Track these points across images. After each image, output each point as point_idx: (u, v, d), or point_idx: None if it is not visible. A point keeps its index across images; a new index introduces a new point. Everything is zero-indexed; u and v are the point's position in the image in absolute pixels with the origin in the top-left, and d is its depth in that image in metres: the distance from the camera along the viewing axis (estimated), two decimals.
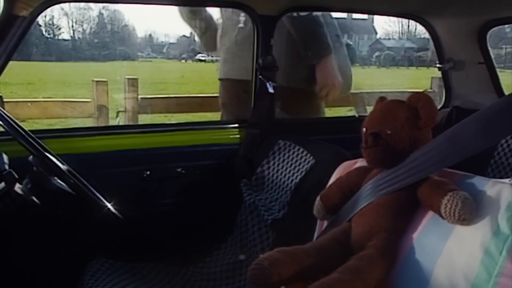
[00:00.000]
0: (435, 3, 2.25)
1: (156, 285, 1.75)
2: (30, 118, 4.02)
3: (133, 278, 1.73)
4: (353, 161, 1.39)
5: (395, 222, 1.12)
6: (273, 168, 2.01)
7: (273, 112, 2.23)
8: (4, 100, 3.42)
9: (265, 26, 2.15)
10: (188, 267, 1.88)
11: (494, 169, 2.02)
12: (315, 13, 2.36)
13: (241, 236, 1.95)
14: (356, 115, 3.16)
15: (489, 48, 2.41)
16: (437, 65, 2.61)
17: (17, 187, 1.49)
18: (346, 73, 2.50)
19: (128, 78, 4.17)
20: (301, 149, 1.92)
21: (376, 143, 1.17)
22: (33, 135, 1.59)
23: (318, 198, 1.33)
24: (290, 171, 1.92)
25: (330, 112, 2.99)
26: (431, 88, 4.57)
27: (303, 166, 1.86)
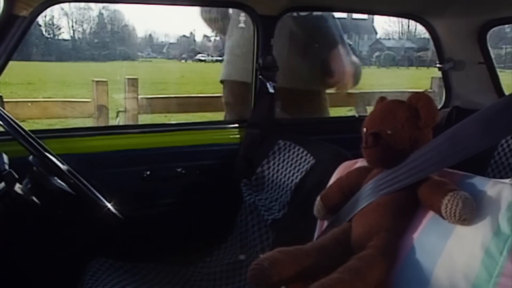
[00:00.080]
0: (435, 3, 2.25)
1: (156, 285, 1.75)
2: (30, 118, 4.02)
3: (133, 278, 1.73)
4: (353, 161, 1.39)
5: (395, 222, 1.12)
6: (273, 168, 2.01)
7: (273, 112, 2.23)
8: (4, 100, 3.41)
9: (265, 26, 2.15)
10: (188, 267, 1.88)
11: (494, 169, 2.03)
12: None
13: (241, 236, 1.95)
14: (356, 115, 3.17)
15: (489, 48, 2.42)
16: (437, 65, 2.61)
17: (17, 187, 1.49)
18: (355, 63, 2.56)
19: (128, 78, 4.18)
20: (301, 149, 1.92)
21: (376, 143, 1.17)
22: (33, 135, 1.59)
23: (318, 198, 1.33)
24: (290, 171, 1.92)
25: (330, 112, 2.99)
26: (431, 88, 4.57)
27: (303, 166, 1.86)
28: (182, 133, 2.16)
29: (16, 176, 1.49)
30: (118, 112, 4.02)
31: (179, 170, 2.08)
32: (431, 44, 2.63)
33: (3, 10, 1.64)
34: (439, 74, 2.69)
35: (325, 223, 1.34)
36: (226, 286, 1.81)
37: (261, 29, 2.15)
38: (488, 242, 0.97)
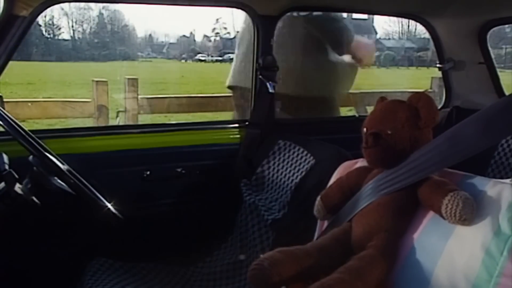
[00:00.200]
0: (435, 3, 2.25)
1: (156, 285, 1.75)
2: (30, 118, 4.02)
3: (133, 278, 1.73)
4: (354, 161, 1.38)
5: (395, 222, 1.12)
6: (273, 168, 2.00)
7: (273, 112, 2.23)
8: (4, 100, 3.41)
9: (265, 26, 2.15)
10: (188, 267, 1.88)
11: (494, 169, 2.03)
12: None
13: (241, 236, 1.95)
14: (356, 115, 3.17)
15: (489, 48, 2.42)
16: (437, 65, 2.61)
17: (17, 187, 1.49)
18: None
19: (128, 78, 4.18)
20: (301, 149, 1.91)
21: (376, 143, 1.17)
22: (33, 135, 1.59)
23: (318, 198, 1.33)
24: (290, 171, 1.92)
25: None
26: (431, 88, 4.56)
27: (303, 166, 1.86)
28: (182, 133, 2.16)
29: (16, 176, 1.49)
30: (118, 112, 4.02)
31: (179, 170, 2.08)
32: (431, 44, 2.63)
33: (3, 10, 1.64)
34: (439, 74, 2.69)
35: (325, 223, 1.34)
36: (226, 286, 1.81)
37: (261, 29, 2.15)
38: (489, 242, 0.97)
